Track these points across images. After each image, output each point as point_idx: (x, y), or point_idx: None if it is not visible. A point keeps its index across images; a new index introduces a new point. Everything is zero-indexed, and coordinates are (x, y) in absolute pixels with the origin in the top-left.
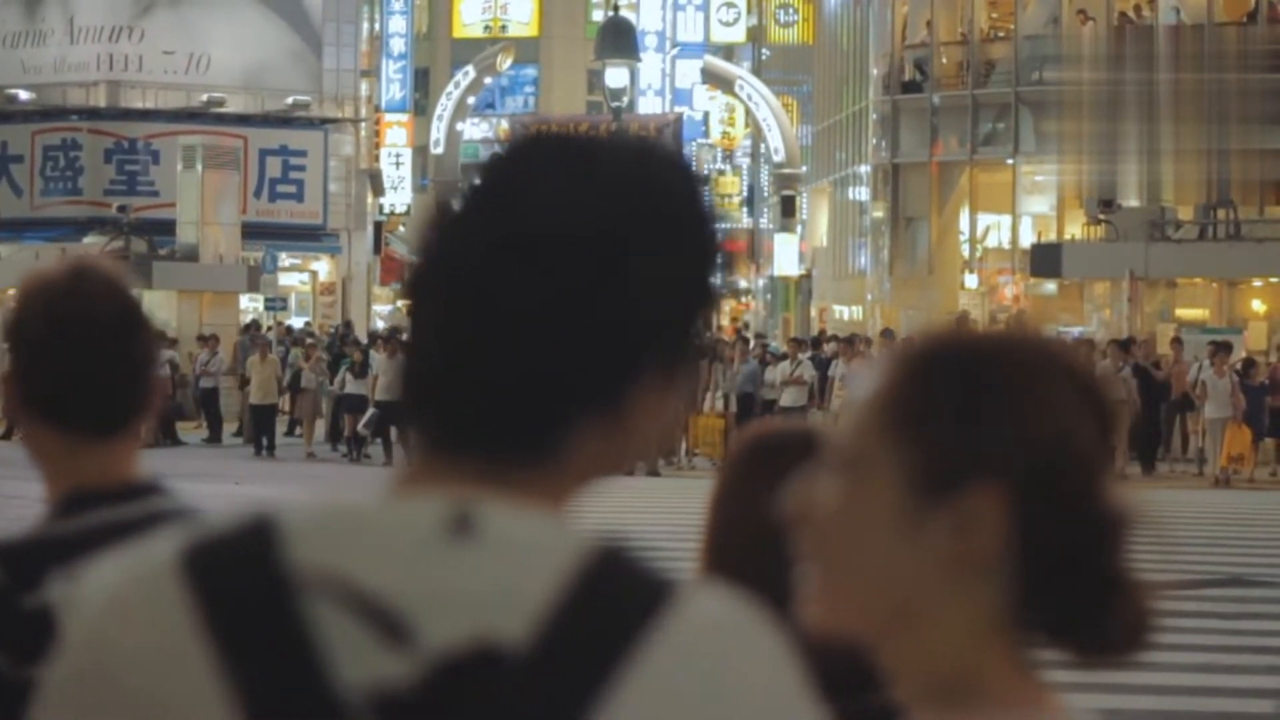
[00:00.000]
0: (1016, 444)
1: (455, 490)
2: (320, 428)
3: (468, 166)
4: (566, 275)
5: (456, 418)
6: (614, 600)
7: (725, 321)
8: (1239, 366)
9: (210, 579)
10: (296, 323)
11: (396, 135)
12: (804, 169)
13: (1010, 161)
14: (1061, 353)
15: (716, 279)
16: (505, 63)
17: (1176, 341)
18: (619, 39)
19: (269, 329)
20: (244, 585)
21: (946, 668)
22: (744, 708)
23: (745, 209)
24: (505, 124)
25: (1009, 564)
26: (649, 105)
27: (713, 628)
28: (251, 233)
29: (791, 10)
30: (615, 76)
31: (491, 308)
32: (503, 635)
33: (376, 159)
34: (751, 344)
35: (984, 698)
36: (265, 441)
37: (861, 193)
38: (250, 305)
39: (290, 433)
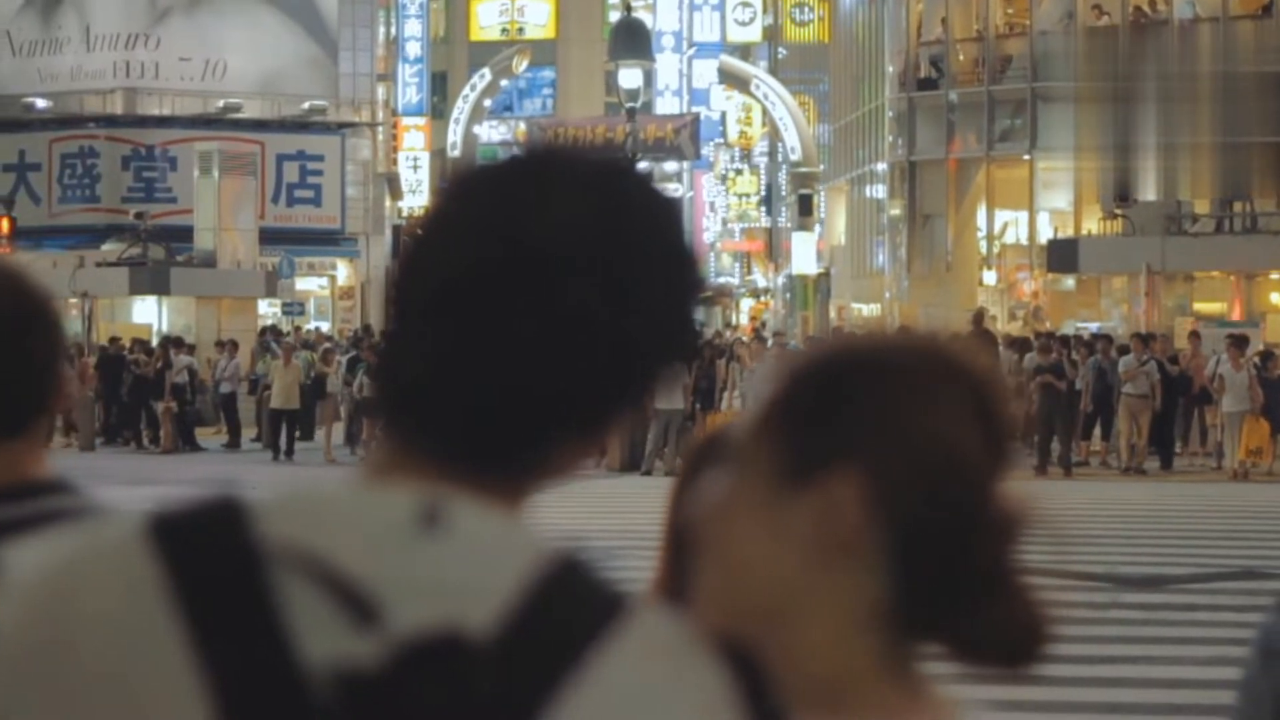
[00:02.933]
0: (876, 433)
1: (425, 484)
2: (338, 431)
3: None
4: (565, 295)
5: (437, 424)
6: (574, 604)
7: (744, 320)
8: (1257, 359)
9: (178, 548)
10: (321, 327)
11: (414, 139)
12: (821, 168)
13: (1027, 157)
14: (947, 353)
15: (701, 300)
16: (521, 65)
17: (1194, 335)
18: (632, 40)
19: (287, 334)
20: (213, 556)
21: (820, 668)
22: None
23: (763, 208)
24: (523, 126)
25: (879, 558)
26: (667, 105)
27: (661, 644)
28: (269, 238)
29: (807, 9)
30: (629, 77)
31: (489, 323)
32: (469, 624)
33: (394, 163)
34: (770, 343)
35: (854, 702)
36: (285, 446)
37: (879, 190)
38: (269, 310)
39: (308, 437)
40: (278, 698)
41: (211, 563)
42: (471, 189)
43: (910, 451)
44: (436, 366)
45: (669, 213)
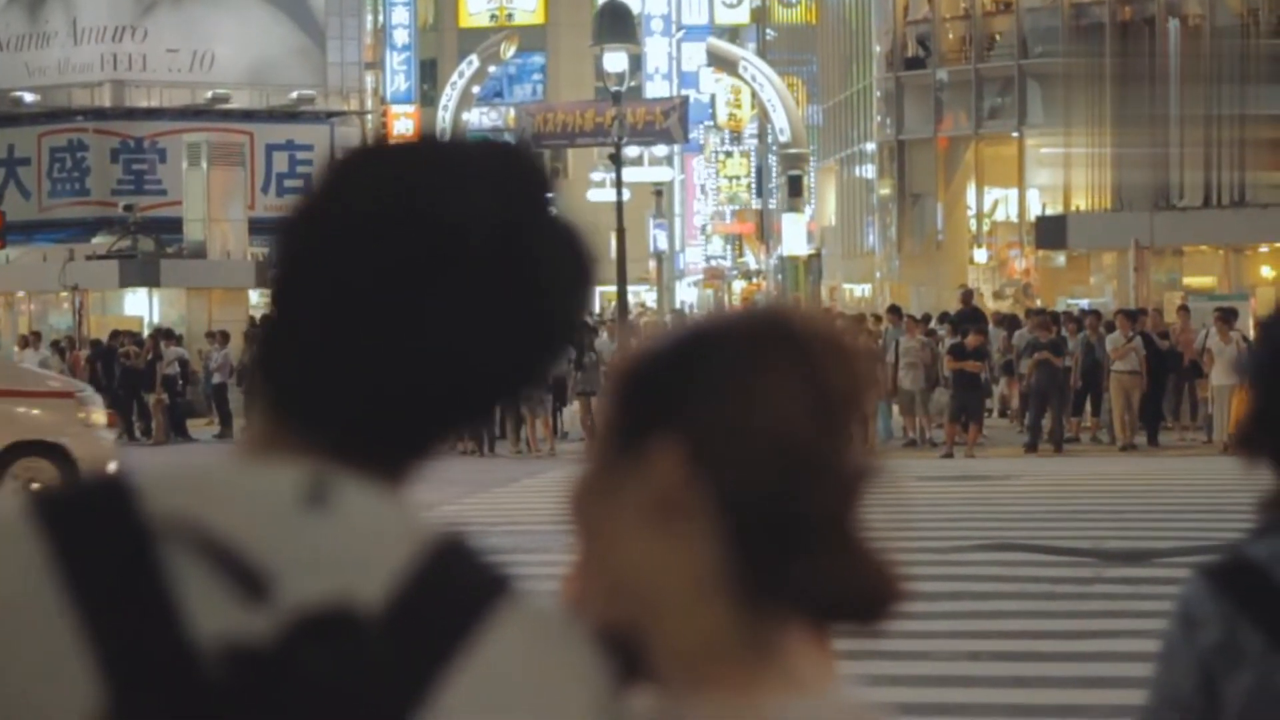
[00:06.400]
0: (700, 402)
1: (309, 461)
2: None
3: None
4: (470, 283)
5: (328, 407)
6: (460, 582)
7: (737, 302)
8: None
9: (63, 524)
10: None
11: (404, 126)
12: (811, 149)
13: (1016, 135)
14: (782, 324)
15: (593, 290)
16: (509, 51)
17: (1183, 309)
18: (616, 23)
19: None
20: (99, 533)
21: (679, 641)
22: (566, 700)
23: (754, 190)
24: (512, 112)
25: (710, 524)
26: (656, 89)
27: (542, 625)
28: (260, 228)
29: None
30: (613, 61)
31: (390, 309)
32: (359, 597)
33: None
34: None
35: (714, 675)
36: None
37: (868, 170)
38: (260, 300)
39: None
40: (168, 673)
41: (98, 540)
42: (364, 173)
43: (731, 419)
44: (331, 350)
45: (557, 199)
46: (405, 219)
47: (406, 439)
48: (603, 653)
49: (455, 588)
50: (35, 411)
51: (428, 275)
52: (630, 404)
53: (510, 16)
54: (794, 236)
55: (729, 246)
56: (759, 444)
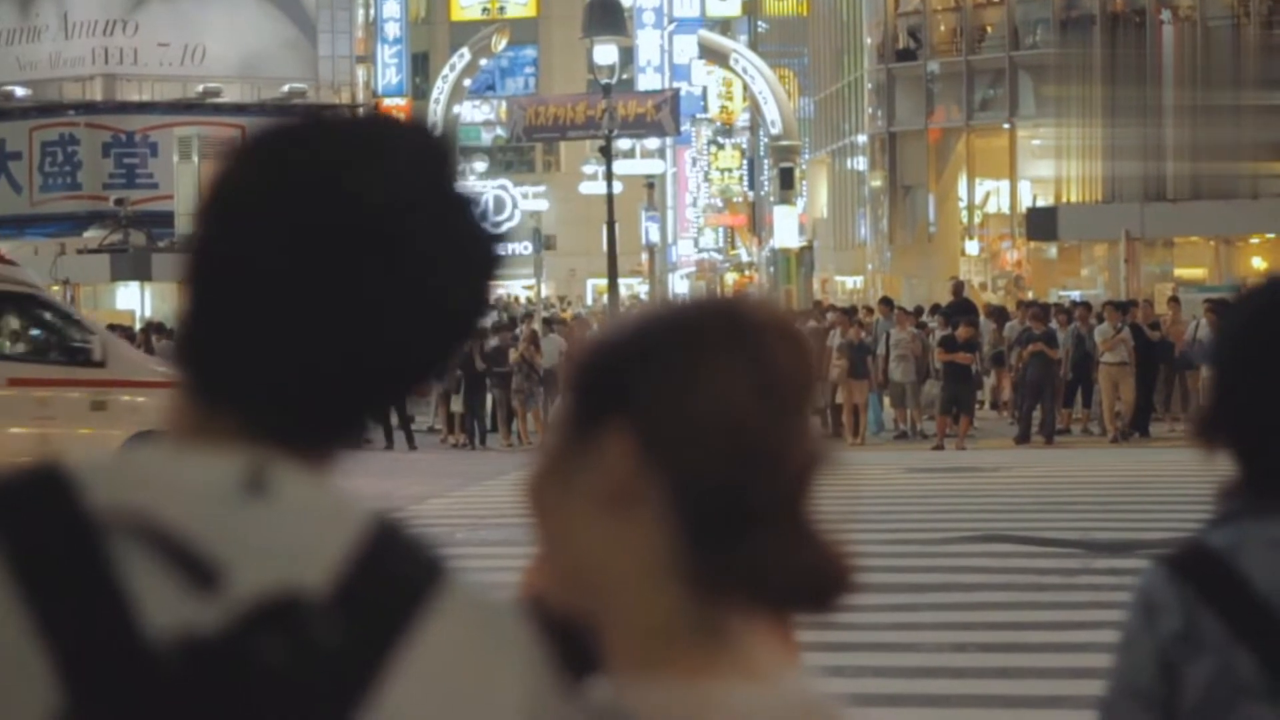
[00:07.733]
0: (650, 390)
1: (245, 449)
2: None
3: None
4: (399, 262)
5: (260, 391)
6: (400, 565)
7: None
8: None
9: (8, 521)
10: None
11: None
12: (802, 141)
13: (1007, 126)
14: (732, 312)
15: (498, 266)
16: (500, 44)
17: (1174, 300)
18: (606, 16)
19: None
20: (46, 527)
21: (632, 626)
22: (505, 685)
23: (746, 182)
24: (505, 105)
25: (661, 510)
26: (649, 81)
27: (480, 611)
28: None
29: None
30: (604, 54)
31: (318, 291)
32: (305, 585)
33: None
34: None
35: (666, 659)
36: None
37: (860, 163)
38: None
39: None
40: (123, 667)
41: (45, 534)
42: (277, 154)
43: (680, 406)
44: (255, 333)
45: (461, 176)
46: (319, 197)
47: (334, 421)
48: (543, 637)
49: (396, 574)
50: (157, 402)
51: (343, 253)
52: (583, 393)
53: (502, 9)
54: (786, 229)
55: (721, 239)
56: (708, 431)
